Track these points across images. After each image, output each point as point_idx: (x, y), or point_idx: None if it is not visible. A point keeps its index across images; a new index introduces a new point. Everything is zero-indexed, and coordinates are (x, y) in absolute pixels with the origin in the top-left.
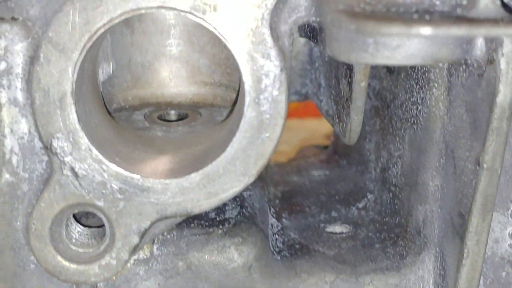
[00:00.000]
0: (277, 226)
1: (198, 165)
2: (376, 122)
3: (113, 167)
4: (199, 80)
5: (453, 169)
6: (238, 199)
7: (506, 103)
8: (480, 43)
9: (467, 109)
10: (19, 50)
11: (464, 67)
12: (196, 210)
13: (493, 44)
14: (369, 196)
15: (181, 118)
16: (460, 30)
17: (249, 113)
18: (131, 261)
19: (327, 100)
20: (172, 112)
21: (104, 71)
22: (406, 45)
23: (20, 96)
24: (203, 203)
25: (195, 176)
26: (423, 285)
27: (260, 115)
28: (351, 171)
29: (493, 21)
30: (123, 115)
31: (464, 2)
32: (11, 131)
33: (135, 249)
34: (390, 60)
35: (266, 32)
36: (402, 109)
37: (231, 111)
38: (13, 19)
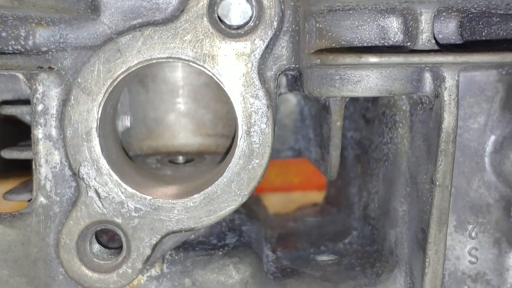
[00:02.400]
0: (272, 256)
1: (200, 190)
2: (358, 168)
3: (130, 189)
4: (204, 132)
5: (416, 193)
6: (237, 231)
7: (450, 128)
8: (428, 80)
9: (423, 140)
10: (54, 95)
11: (420, 105)
12: (199, 225)
13: (438, 81)
14: (353, 232)
15: (188, 161)
16: (399, 59)
17: (241, 143)
18: (144, 277)
19: (315, 149)
20: (180, 157)
21: (123, 123)
22: (365, 80)
23: (54, 132)
24: (204, 220)
25: (197, 197)
26: None
27: (251, 144)
28: (340, 215)
29: (426, 51)
30: (139, 160)
31: (405, 39)
32: (46, 161)
33: (147, 260)
34: (353, 93)
35: (255, 76)
36: (377, 151)
37: (227, 152)
38: (50, 68)
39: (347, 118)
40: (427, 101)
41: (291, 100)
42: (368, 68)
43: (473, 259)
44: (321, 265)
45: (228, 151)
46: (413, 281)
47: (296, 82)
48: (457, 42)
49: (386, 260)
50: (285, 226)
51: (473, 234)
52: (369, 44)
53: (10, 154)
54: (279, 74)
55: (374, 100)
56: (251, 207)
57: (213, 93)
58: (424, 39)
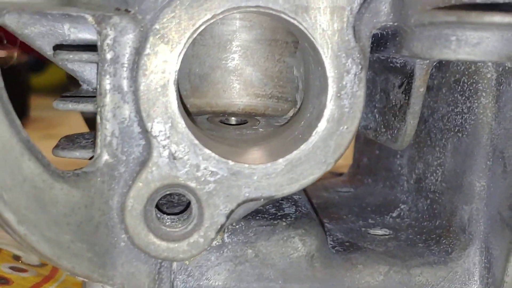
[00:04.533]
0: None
1: (279, 155)
2: (413, 138)
3: (207, 151)
4: (251, 92)
5: (502, 168)
6: (291, 200)
7: None
8: None
9: None
10: (126, 42)
11: None
12: (279, 194)
13: None
14: (402, 206)
15: (240, 123)
16: None
17: (330, 105)
18: None
19: (366, 115)
20: (233, 118)
21: None
22: (485, 42)
23: (124, 83)
24: (286, 188)
25: (280, 162)
26: (469, 277)
27: (341, 108)
28: (378, 187)
29: None
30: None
31: None
32: (114, 115)
33: (221, 229)
34: (470, 56)
35: (350, 33)
36: (444, 121)
37: (290, 117)
38: (126, 11)
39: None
40: None
41: None
42: (490, 29)
43: None
44: (379, 240)
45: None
46: (490, 260)
47: (379, 42)
48: None
49: (457, 238)
50: (319, 196)
51: None
52: (492, 1)
53: (65, 105)
54: (373, 32)
55: (441, 66)
56: None
57: (264, 50)
58: None
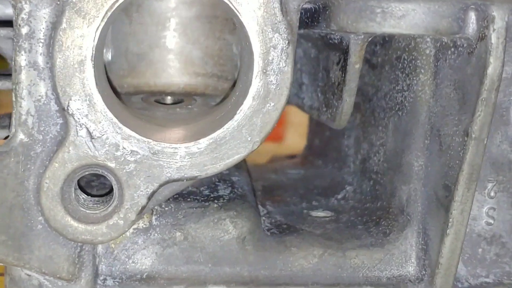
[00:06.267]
0: (263, 210)
1: (204, 134)
2: (356, 118)
3: (127, 130)
4: (191, 71)
5: (438, 147)
6: (228, 182)
7: (495, 75)
8: (472, 21)
9: (455, 88)
10: (42, 16)
11: (453, 49)
12: (203, 174)
13: (485, 21)
14: (348, 188)
15: (176, 102)
16: None
17: (256, 82)
18: (130, 230)
19: (311, 95)
20: (169, 97)
21: (104, 56)
22: (411, 14)
23: (40, 60)
24: (209, 168)
25: (203, 141)
26: (406, 259)
27: (267, 85)
28: (327, 168)
29: None
30: (124, 98)
31: None
32: (29, 93)
33: (142, 211)
34: (395, 29)
35: (277, 6)
36: (386, 99)
37: (226, 95)
38: None
39: None
40: (465, 44)
41: None
42: (415, 1)
43: (490, 220)
44: (319, 222)
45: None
46: (427, 242)
47: (313, 17)
48: None
49: (395, 219)
50: (267, 178)
51: (492, 193)
52: None
53: None
54: (302, 5)
55: (385, 42)
56: None
57: (204, 27)
58: None
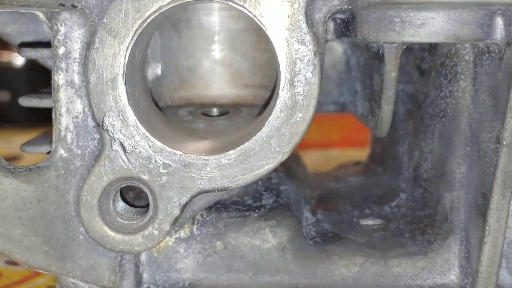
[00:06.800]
0: (312, 219)
1: (236, 145)
2: (409, 125)
3: (158, 143)
4: (240, 82)
5: (477, 154)
6: (275, 191)
7: None
8: (499, 26)
9: (489, 94)
10: (77, 37)
11: (487, 55)
12: (233, 185)
13: (511, 27)
14: (402, 195)
15: (223, 114)
16: None
17: (284, 94)
18: (172, 239)
19: (362, 102)
20: (215, 109)
21: (153, 71)
22: (430, 23)
23: (76, 78)
24: (240, 179)
25: (233, 153)
26: (449, 267)
27: (294, 96)
28: (386, 176)
29: None
30: (170, 111)
31: None
32: (67, 110)
33: (176, 221)
34: (415, 38)
35: (302, 18)
36: (433, 106)
37: (265, 105)
38: (73, 6)
39: (399, 69)
40: (496, 50)
41: (337, 49)
42: (434, 9)
43: None
44: (366, 230)
45: (266, 104)
46: (469, 250)
47: (347, 27)
48: None
49: (439, 227)
50: (325, 186)
51: None
52: None
53: (29, 101)
54: (329, 17)
55: (432, 49)
56: (289, 165)
57: (251, 40)
58: None
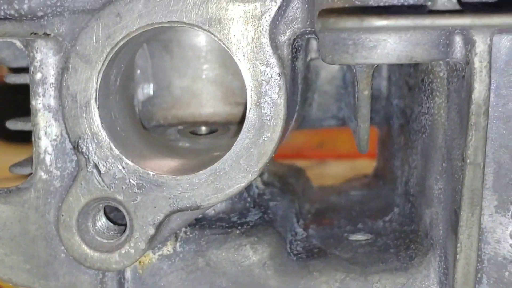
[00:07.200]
0: (302, 234)
1: (209, 165)
2: (401, 139)
3: (131, 164)
4: (233, 100)
5: (451, 170)
6: (263, 207)
7: (481, 99)
8: (459, 45)
9: (457, 111)
10: (53, 63)
11: (455, 72)
12: (205, 204)
13: (468, 46)
14: (395, 209)
15: (211, 132)
16: (407, 22)
17: (251, 115)
18: (156, 256)
19: (353, 120)
20: (203, 128)
21: (144, 91)
22: (382, 45)
23: (53, 102)
24: (211, 198)
25: (203, 173)
26: (429, 283)
27: (261, 117)
28: (385, 190)
29: (442, 12)
30: (159, 130)
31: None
32: (45, 133)
33: (151, 240)
34: (367, 60)
35: (266, 41)
36: (416, 121)
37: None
38: (46, 34)
39: (394, 84)
40: (460, 68)
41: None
42: (385, 32)
43: None
44: (353, 246)
45: None
46: (448, 266)
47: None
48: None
49: (421, 243)
50: (325, 200)
51: None
52: (386, 4)
53: (15, 125)
54: (295, 39)
55: (416, 65)
56: (287, 180)
57: None
58: None
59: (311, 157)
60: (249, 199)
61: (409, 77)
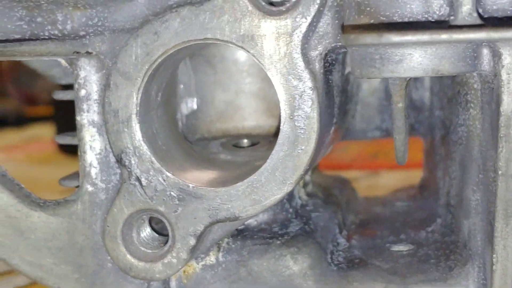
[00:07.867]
0: (344, 245)
1: (246, 177)
2: (442, 150)
3: (172, 176)
4: (274, 113)
5: (486, 182)
6: (305, 218)
7: (509, 111)
8: (487, 57)
9: (489, 123)
10: (96, 80)
11: (487, 84)
12: (243, 215)
13: (496, 58)
14: (438, 220)
15: (253, 145)
16: (424, 37)
17: (285, 128)
18: (200, 266)
19: None
20: (245, 140)
21: (188, 106)
22: (407, 59)
23: (97, 118)
24: (249, 209)
25: (240, 185)
26: None
27: (295, 130)
28: (429, 200)
29: (463, 27)
30: (204, 143)
31: (450, 12)
32: (90, 147)
33: (193, 250)
34: (394, 74)
35: (298, 56)
36: (454, 133)
37: None
38: (88, 53)
39: (436, 95)
40: (490, 80)
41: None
42: (410, 46)
43: None
44: (394, 256)
45: None
46: (486, 277)
47: None
48: None
49: (460, 253)
50: (370, 211)
51: None
52: (411, 19)
53: (63, 139)
54: (326, 54)
55: (452, 77)
56: (331, 192)
57: None
58: (464, 13)
59: (364, 168)
60: (291, 210)
61: (448, 88)
